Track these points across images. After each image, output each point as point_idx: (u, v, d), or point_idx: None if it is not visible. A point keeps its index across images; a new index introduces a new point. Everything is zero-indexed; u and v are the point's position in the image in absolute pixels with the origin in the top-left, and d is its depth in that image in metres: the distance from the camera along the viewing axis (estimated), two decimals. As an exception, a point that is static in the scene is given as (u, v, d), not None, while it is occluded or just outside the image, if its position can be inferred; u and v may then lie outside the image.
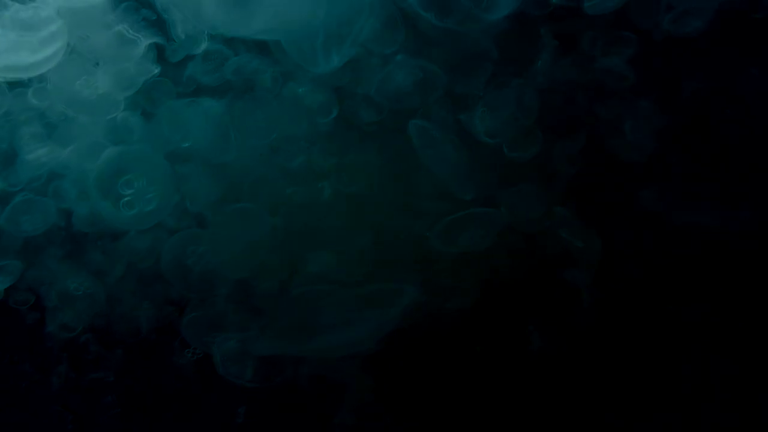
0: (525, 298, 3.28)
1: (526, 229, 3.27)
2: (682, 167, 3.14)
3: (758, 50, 3.10)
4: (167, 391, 3.41)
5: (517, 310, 3.30)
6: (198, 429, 3.37)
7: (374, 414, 3.04)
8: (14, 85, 3.17)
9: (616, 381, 3.18)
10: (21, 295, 3.33)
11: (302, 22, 2.05)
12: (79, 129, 3.31)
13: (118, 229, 2.92)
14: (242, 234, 2.92)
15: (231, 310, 3.08)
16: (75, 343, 3.38)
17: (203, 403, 3.33)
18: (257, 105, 3.25)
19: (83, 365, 3.38)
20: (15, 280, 3.26)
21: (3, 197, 3.25)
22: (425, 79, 3.25)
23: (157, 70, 2.96)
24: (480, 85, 3.33)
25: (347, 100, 3.32)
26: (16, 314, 3.36)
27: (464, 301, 3.32)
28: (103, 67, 2.87)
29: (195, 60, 3.09)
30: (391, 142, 3.29)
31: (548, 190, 3.31)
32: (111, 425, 3.35)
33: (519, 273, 3.26)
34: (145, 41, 2.71)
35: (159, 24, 2.95)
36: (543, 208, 3.24)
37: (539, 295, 3.27)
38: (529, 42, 3.34)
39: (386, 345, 2.69)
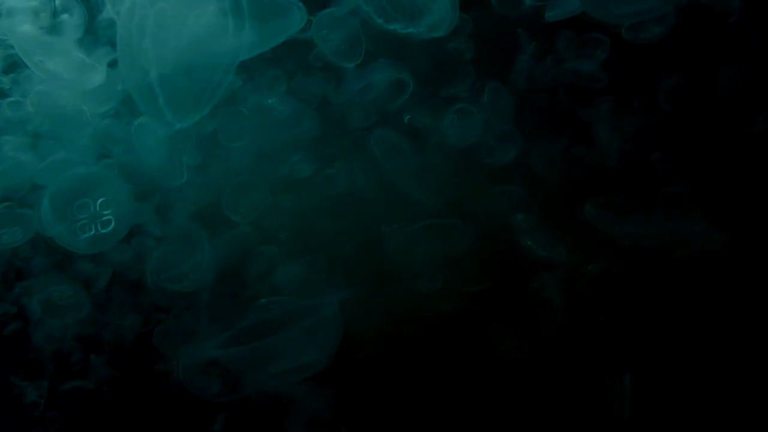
0: (498, 305, 3.28)
1: (500, 235, 3.27)
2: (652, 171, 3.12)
3: (734, 53, 3.06)
4: (150, 398, 3.46)
5: (490, 317, 3.30)
6: (177, 435, 3.43)
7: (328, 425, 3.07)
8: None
9: (590, 385, 3.18)
10: (1, 307, 3.39)
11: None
12: (62, 140, 3.35)
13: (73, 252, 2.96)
14: (187, 255, 2.97)
15: (205, 320, 3.12)
16: (59, 352, 3.44)
17: (185, 409, 3.37)
18: (239, 114, 3.29)
19: (67, 374, 3.45)
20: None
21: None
22: (400, 85, 3.25)
23: (122, 87, 2.99)
24: (465, 88, 3.34)
25: (337, 107, 3.35)
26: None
27: (443, 306, 3.33)
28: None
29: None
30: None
31: (524, 195, 3.30)
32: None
33: (492, 279, 3.26)
34: (104, 64, 2.73)
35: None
36: (516, 215, 3.23)
37: (512, 302, 3.27)
38: (506, 44, 3.32)
39: (345, 355, 2.72)
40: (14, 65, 3.11)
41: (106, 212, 2.53)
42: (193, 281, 2.99)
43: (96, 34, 2.94)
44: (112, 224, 2.55)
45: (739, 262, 3.13)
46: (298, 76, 3.32)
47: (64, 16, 2.89)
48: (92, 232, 2.54)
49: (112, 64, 2.85)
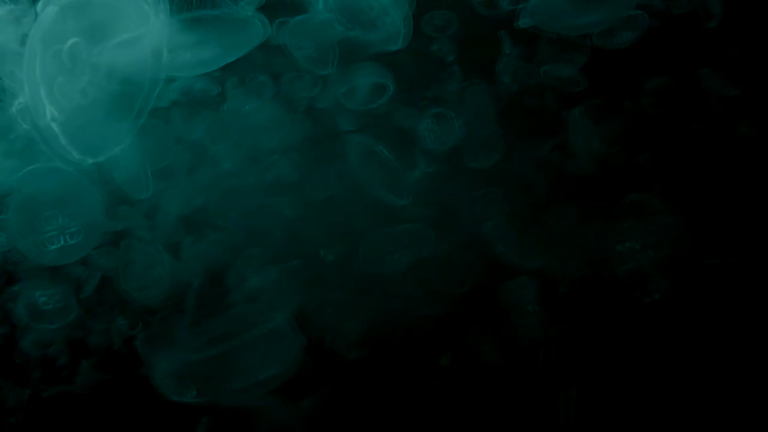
0: (475, 310, 3.28)
1: (480, 239, 3.27)
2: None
3: (713, 58, 3.04)
4: (137, 402, 3.48)
5: (467, 323, 3.30)
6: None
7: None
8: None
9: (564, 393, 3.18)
10: (-10, 311, 3.42)
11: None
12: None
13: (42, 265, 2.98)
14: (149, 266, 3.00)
15: (184, 326, 3.14)
16: (46, 357, 3.47)
17: (170, 413, 3.40)
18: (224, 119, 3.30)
19: (53, 379, 3.48)
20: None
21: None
22: (383, 88, 3.26)
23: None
24: (449, 89, 3.34)
25: (323, 110, 3.36)
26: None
27: (425, 311, 3.33)
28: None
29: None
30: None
31: (504, 199, 3.29)
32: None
33: (472, 284, 3.26)
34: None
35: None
36: (493, 219, 3.22)
37: (489, 307, 3.26)
38: (489, 46, 3.32)
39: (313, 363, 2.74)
40: (0, 71, 3.13)
41: (74, 222, 2.53)
42: (156, 292, 3.01)
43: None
44: (81, 235, 2.54)
45: (723, 266, 3.11)
46: (287, 79, 3.34)
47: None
48: (60, 244, 2.54)
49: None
